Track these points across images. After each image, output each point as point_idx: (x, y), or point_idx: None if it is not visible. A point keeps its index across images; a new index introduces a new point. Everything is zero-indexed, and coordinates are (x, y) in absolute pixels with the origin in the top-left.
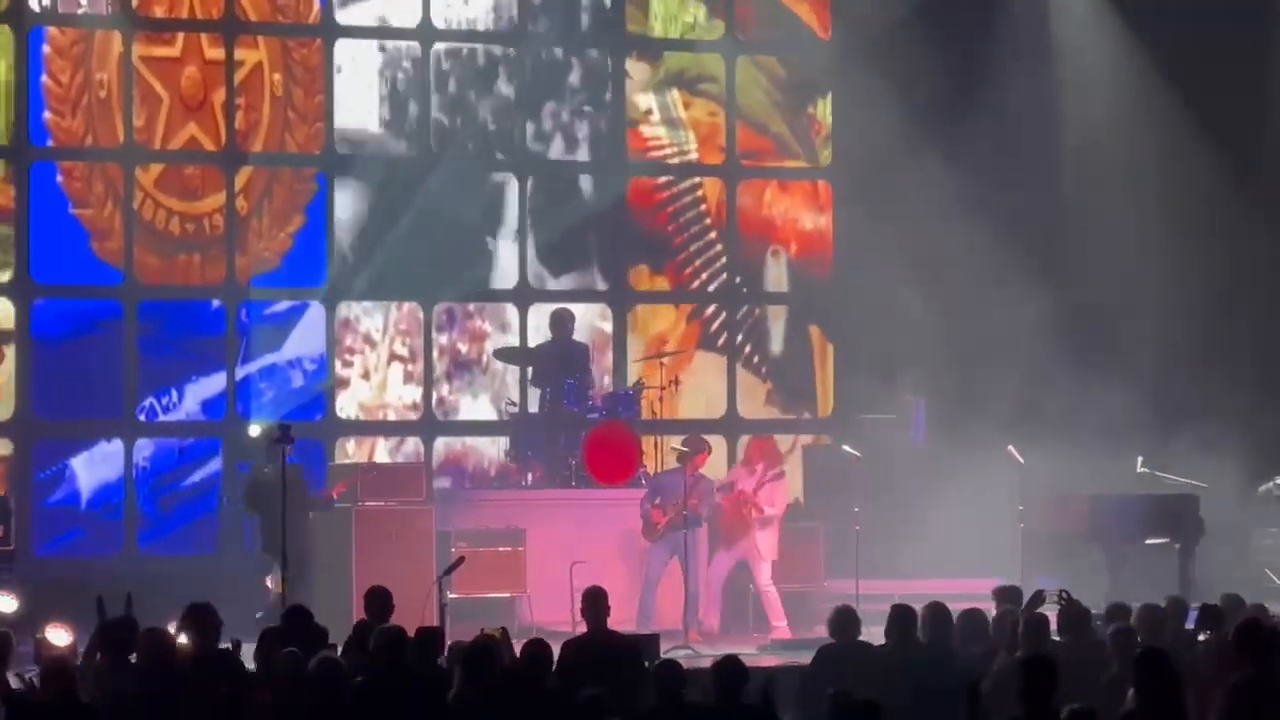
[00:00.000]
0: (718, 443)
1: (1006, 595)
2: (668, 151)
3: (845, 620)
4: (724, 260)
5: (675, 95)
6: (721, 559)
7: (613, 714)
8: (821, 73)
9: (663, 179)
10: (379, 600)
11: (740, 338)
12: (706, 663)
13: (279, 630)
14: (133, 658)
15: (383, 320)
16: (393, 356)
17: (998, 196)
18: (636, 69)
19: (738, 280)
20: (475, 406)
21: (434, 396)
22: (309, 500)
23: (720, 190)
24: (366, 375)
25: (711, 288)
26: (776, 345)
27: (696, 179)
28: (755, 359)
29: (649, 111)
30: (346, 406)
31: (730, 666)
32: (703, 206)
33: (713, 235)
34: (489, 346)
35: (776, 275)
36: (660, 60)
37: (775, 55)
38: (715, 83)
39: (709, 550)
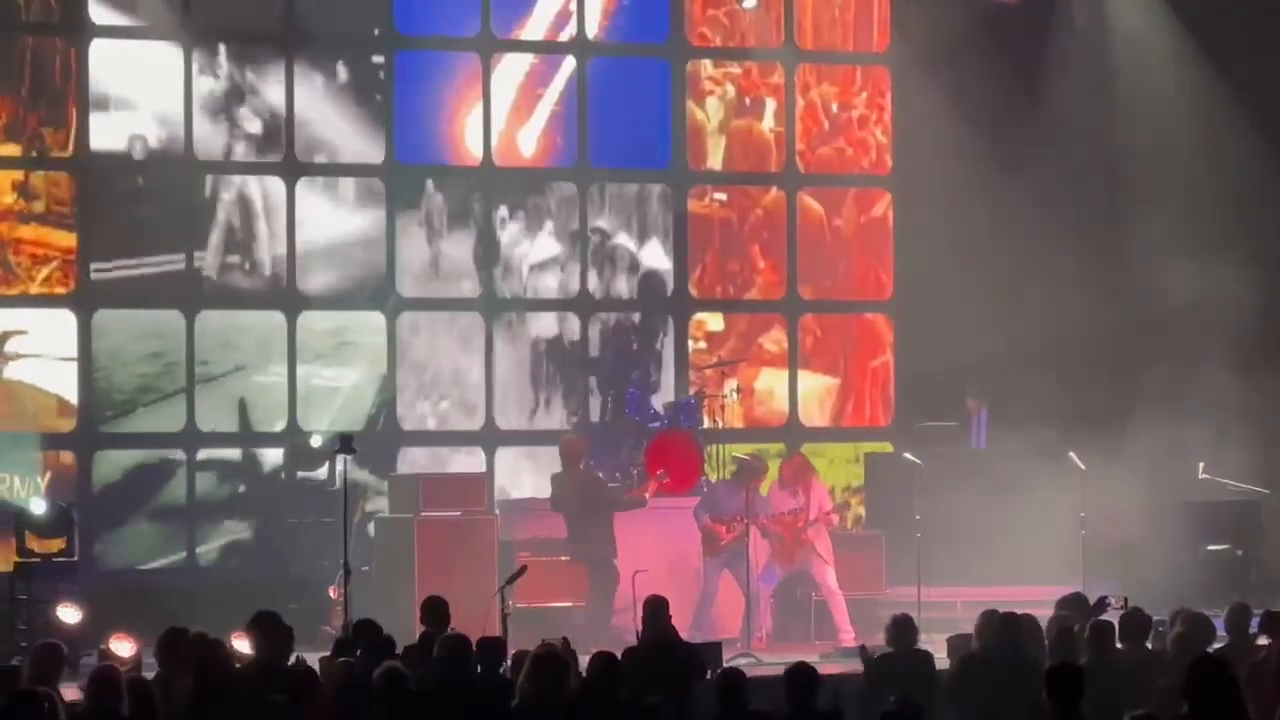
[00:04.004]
0: (780, 450)
1: (1068, 603)
2: None
3: (903, 628)
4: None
5: None
6: (774, 572)
7: None
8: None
9: None
10: (436, 610)
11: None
12: (768, 671)
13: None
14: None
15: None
16: None
17: (1057, 204)
18: None
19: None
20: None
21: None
22: (616, 501)
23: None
24: None
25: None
26: None
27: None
28: None
29: None
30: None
31: (801, 673)
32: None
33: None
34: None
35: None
36: None
37: (834, 64)
38: None
39: (762, 563)
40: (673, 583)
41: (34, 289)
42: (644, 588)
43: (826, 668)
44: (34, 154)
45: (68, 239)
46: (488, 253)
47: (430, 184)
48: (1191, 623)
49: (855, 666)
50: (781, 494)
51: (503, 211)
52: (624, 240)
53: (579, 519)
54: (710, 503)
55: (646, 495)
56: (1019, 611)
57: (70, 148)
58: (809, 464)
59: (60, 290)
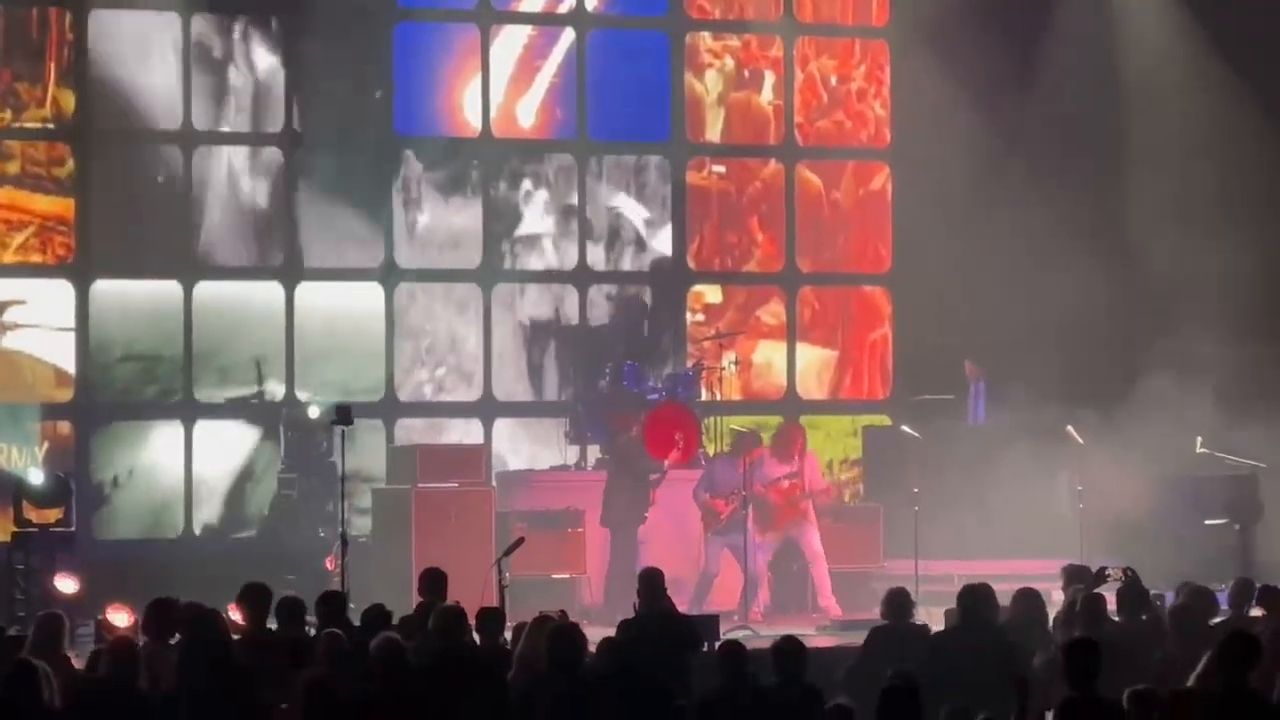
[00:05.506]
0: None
1: (1075, 574)
2: None
3: (898, 602)
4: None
5: None
6: (768, 542)
7: (672, 695)
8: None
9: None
10: (434, 580)
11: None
12: (765, 644)
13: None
14: (174, 639)
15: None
16: None
17: (1055, 176)
18: None
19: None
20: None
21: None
22: (641, 472)
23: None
24: None
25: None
26: None
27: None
28: None
29: None
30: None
31: (788, 646)
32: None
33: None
34: None
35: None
36: None
37: (833, 37)
38: None
39: (758, 536)
40: (675, 555)
41: (8, 257)
42: (644, 559)
43: (822, 640)
44: (8, 111)
45: (45, 203)
46: (486, 224)
47: (429, 155)
48: (1193, 595)
49: (849, 639)
50: (776, 462)
51: (502, 183)
52: (622, 213)
53: (611, 483)
54: (708, 480)
55: (665, 464)
56: (1009, 587)
57: (48, 106)
58: (802, 431)
59: (37, 258)
